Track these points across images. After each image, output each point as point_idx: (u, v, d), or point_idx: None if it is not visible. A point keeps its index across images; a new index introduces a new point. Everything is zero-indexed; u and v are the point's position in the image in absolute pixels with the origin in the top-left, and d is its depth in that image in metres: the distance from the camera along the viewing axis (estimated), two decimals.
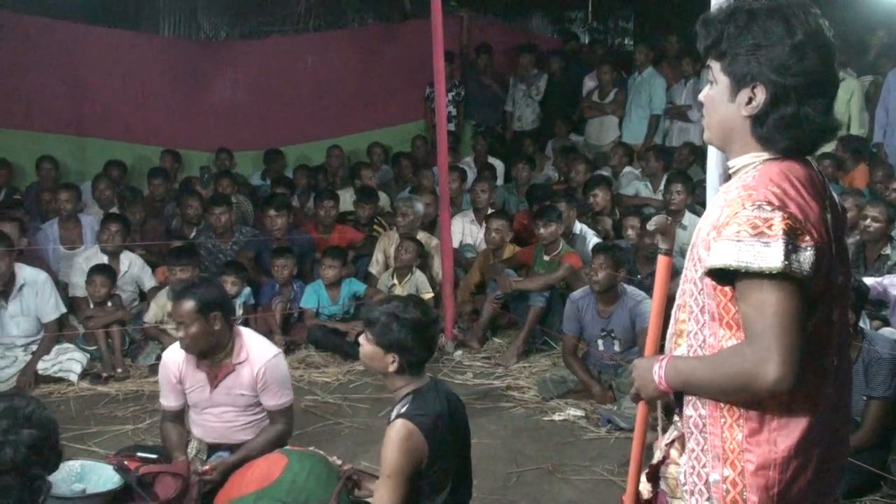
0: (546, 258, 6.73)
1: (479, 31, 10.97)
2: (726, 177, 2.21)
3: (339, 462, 3.69)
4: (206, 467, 3.96)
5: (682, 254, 4.99)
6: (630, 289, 5.63)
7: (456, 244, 7.41)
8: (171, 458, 4.07)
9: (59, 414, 4.78)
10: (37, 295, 6.06)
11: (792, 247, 1.83)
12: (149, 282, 6.80)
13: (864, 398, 4.27)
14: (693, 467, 2.05)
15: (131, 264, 6.78)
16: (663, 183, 7.84)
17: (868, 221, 5.87)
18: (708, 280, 1.97)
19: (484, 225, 7.44)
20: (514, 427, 5.26)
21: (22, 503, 2.51)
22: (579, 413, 5.39)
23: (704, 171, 3.35)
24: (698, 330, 2.04)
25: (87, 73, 9.43)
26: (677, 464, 2.14)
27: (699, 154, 8.30)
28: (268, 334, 5.60)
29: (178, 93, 9.88)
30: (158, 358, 6.10)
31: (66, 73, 9.32)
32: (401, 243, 7.00)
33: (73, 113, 9.40)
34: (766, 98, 1.95)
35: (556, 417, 5.38)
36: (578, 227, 7.19)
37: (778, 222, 1.83)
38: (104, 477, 3.89)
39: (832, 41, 1.97)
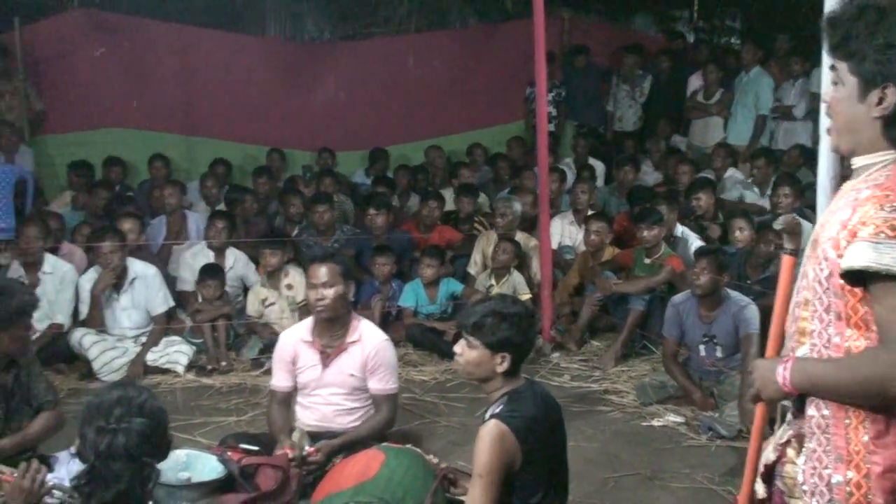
0: (647, 261, 6.63)
1: (581, 31, 10.88)
2: (842, 177, 2.14)
3: (435, 460, 3.72)
4: (312, 448, 4.05)
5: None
6: (734, 294, 5.49)
7: (555, 245, 7.37)
8: (277, 439, 4.20)
9: (166, 404, 4.94)
10: (147, 288, 6.28)
11: None
12: (253, 278, 6.96)
13: None
14: (814, 468, 2.01)
15: (236, 260, 6.96)
16: (770, 187, 7.62)
17: None
18: (835, 279, 1.92)
19: (583, 226, 7.37)
20: (611, 431, 5.20)
21: (132, 489, 2.60)
22: (679, 419, 5.29)
23: (814, 174, 3.25)
24: (822, 329, 1.99)
25: (198, 74, 9.74)
26: (794, 463, 2.10)
27: (809, 156, 8.04)
28: None
29: (282, 93, 10.08)
30: (261, 351, 6.33)
31: (179, 73, 9.64)
32: (499, 244, 6.99)
33: (184, 113, 9.70)
34: None
35: (655, 423, 5.28)
36: (680, 229, 7.06)
37: None
38: (208, 467, 4.00)
39: None
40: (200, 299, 6.54)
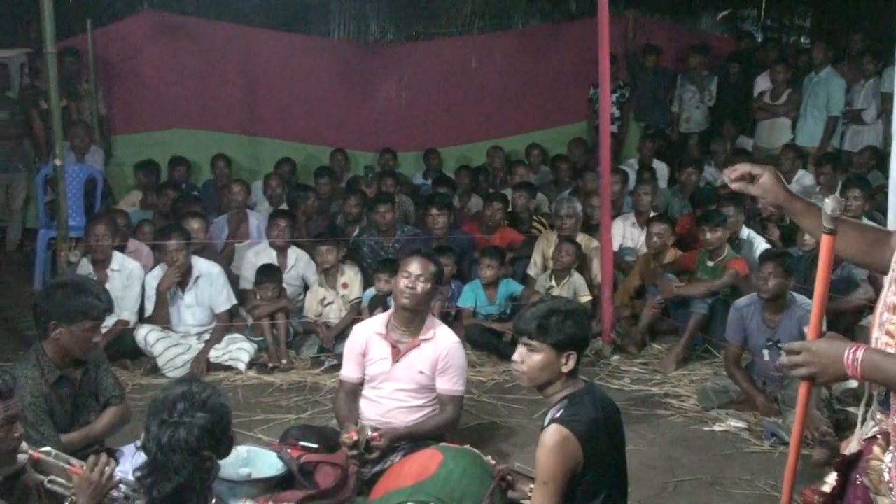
0: (710, 263, 6.53)
1: (646, 31, 10.77)
2: None
3: (493, 461, 3.71)
4: (375, 434, 4.09)
5: None
6: (799, 297, 5.37)
7: (616, 247, 7.30)
8: (342, 428, 4.25)
9: (228, 401, 5.00)
10: (211, 286, 6.38)
11: None
12: (313, 277, 7.01)
13: None
14: None
15: (297, 259, 7.03)
16: (839, 190, 7.44)
17: None
18: None
19: (645, 228, 7.29)
20: (671, 435, 5.14)
21: (192, 482, 2.65)
22: (741, 425, 5.20)
23: (885, 176, 3.17)
24: None
25: (262, 75, 9.87)
26: (880, 460, 2.07)
27: (880, 158, 7.84)
28: None
29: (346, 94, 10.15)
30: (321, 350, 6.39)
31: (244, 75, 9.78)
32: (560, 245, 6.94)
33: (248, 113, 9.84)
34: None
35: (717, 428, 5.21)
36: (745, 232, 6.95)
37: None
38: (268, 463, 4.06)
39: None
40: (259, 298, 6.62)
